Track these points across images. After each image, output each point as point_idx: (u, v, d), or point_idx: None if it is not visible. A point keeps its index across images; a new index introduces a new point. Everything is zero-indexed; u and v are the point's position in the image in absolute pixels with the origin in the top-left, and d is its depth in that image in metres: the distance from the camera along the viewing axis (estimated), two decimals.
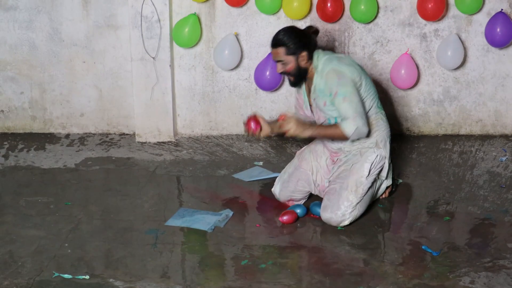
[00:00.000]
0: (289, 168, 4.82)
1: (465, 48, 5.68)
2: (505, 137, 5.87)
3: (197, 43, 5.79)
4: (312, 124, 4.57)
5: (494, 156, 5.51)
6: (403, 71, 5.61)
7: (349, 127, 4.42)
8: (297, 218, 4.55)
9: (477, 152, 5.58)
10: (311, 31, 4.66)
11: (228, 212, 4.62)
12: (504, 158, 5.46)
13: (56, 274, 3.95)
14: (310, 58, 4.54)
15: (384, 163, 4.61)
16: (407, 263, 4.07)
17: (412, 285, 3.84)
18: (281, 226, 4.49)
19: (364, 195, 4.51)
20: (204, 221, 4.52)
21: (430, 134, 5.93)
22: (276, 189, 4.80)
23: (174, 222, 4.54)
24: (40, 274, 3.96)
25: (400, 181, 5.10)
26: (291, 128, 4.43)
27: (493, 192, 4.93)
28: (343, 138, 4.48)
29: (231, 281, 3.91)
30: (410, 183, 5.10)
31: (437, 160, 5.47)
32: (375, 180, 4.60)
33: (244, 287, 3.85)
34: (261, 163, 5.46)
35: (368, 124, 4.52)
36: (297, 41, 4.49)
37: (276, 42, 4.55)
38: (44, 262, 4.08)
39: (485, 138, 5.85)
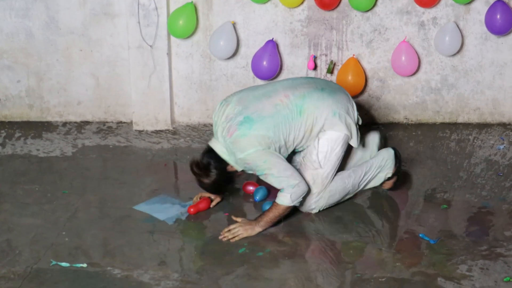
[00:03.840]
0: None
1: (463, 36, 5.66)
2: (503, 125, 5.86)
3: (193, 32, 5.77)
4: (258, 217, 4.31)
5: (491, 144, 5.51)
6: (403, 58, 5.60)
7: (285, 198, 4.23)
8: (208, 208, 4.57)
9: (475, 141, 5.58)
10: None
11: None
12: (501, 146, 5.46)
13: (54, 263, 3.96)
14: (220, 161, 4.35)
15: (344, 137, 4.40)
16: (405, 251, 4.07)
17: (410, 273, 3.84)
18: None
19: (330, 182, 4.42)
20: (167, 211, 4.52)
21: (428, 122, 5.93)
22: None
23: (141, 207, 4.57)
24: (38, 262, 3.97)
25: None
26: (240, 233, 4.23)
27: (491, 180, 4.93)
28: (286, 210, 4.27)
29: (229, 269, 3.92)
30: (407, 171, 5.09)
31: (435, 148, 5.47)
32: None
33: (241, 275, 3.85)
34: None
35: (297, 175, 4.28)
36: (219, 173, 4.35)
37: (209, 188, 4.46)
38: (42, 250, 4.08)
39: (482, 126, 5.85)
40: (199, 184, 4.42)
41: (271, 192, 4.64)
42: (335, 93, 4.46)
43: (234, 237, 4.21)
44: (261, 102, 4.33)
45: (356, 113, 4.51)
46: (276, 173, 4.22)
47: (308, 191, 4.35)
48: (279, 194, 4.25)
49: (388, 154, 4.66)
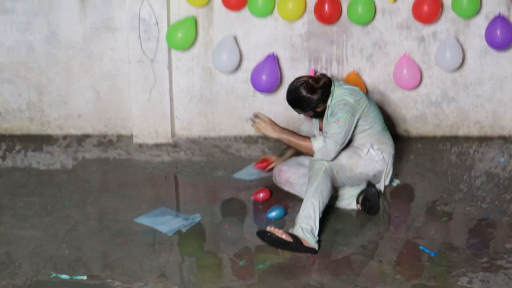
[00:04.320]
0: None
1: (463, 50, 5.68)
2: (503, 138, 5.87)
3: (193, 46, 5.78)
4: (285, 129, 4.65)
5: (492, 157, 5.52)
6: (405, 71, 5.62)
7: (319, 143, 4.55)
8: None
9: (475, 153, 5.58)
10: (323, 81, 4.68)
11: (196, 217, 4.60)
12: (502, 159, 5.46)
13: (54, 275, 3.95)
14: (326, 99, 4.64)
15: (379, 169, 4.77)
16: (405, 263, 4.06)
17: (410, 285, 3.83)
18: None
19: (352, 169, 4.68)
20: (169, 223, 4.52)
21: (428, 136, 5.93)
22: (280, 169, 4.97)
23: (142, 220, 4.58)
24: (38, 274, 3.96)
25: (398, 181, 5.10)
26: (261, 127, 4.60)
27: (491, 193, 4.93)
28: (309, 151, 4.58)
29: (229, 281, 3.91)
30: (408, 184, 5.10)
31: (435, 161, 5.48)
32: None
33: (242, 287, 3.84)
34: None
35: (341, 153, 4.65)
36: (311, 103, 4.60)
37: (292, 104, 4.68)
38: (41, 263, 4.07)
39: (483, 139, 5.85)
40: (296, 102, 4.65)
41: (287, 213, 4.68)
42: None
43: (257, 126, 4.60)
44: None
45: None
46: (342, 130, 4.54)
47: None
48: (321, 138, 4.54)
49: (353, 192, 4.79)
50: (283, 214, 4.63)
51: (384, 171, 4.79)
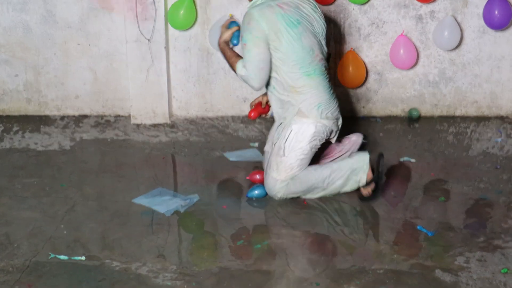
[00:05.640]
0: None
1: (461, 30, 5.67)
2: (500, 118, 5.87)
3: (192, 25, 5.77)
4: (231, 47, 4.64)
5: (489, 137, 5.52)
6: (402, 51, 5.60)
7: (240, 69, 4.48)
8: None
9: (473, 134, 5.59)
10: None
11: (194, 198, 4.61)
12: (499, 139, 5.47)
13: (52, 256, 3.95)
14: None
15: (316, 132, 4.48)
16: (402, 243, 4.08)
17: (407, 265, 3.85)
18: (277, 208, 4.49)
19: (293, 171, 4.48)
20: (167, 204, 4.52)
21: (425, 116, 5.93)
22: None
23: (140, 200, 4.58)
24: (36, 255, 3.96)
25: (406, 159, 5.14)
26: (222, 33, 4.64)
27: (488, 173, 4.94)
28: (235, 70, 4.55)
29: (227, 261, 3.92)
30: (405, 164, 5.10)
31: (433, 141, 5.48)
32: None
33: (239, 268, 3.86)
34: (256, 144, 5.46)
35: (265, 81, 4.51)
36: None
37: None
38: (40, 243, 4.08)
39: (480, 119, 5.86)
40: None
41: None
42: (333, 91, 4.60)
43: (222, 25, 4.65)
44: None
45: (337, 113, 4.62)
46: (251, 54, 4.41)
47: (274, 177, 4.49)
48: (243, 63, 4.46)
49: (362, 157, 4.57)
50: (265, 193, 4.62)
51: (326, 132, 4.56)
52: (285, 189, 4.50)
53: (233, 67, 4.55)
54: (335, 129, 4.61)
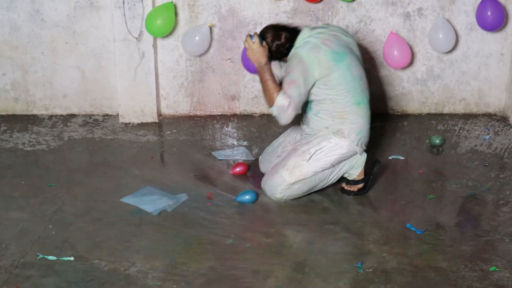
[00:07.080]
0: (275, 142, 4.88)
1: (456, 33, 5.68)
2: (488, 115, 5.89)
3: (175, 29, 5.74)
4: (269, 69, 4.45)
5: (477, 134, 5.54)
6: (396, 52, 5.58)
7: (281, 101, 4.34)
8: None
9: (461, 131, 5.60)
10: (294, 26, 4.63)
11: (182, 197, 4.61)
12: (487, 137, 5.48)
13: (41, 256, 3.94)
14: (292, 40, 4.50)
15: (345, 154, 4.53)
16: (391, 241, 4.08)
17: (396, 263, 3.85)
18: (266, 207, 4.49)
19: (305, 178, 4.49)
20: (155, 203, 4.52)
21: (413, 113, 5.95)
22: (260, 160, 4.92)
23: (128, 199, 4.57)
24: (25, 256, 3.95)
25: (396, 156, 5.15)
26: (251, 48, 4.46)
27: (477, 171, 4.95)
28: (269, 100, 4.40)
29: (216, 260, 3.91)
30: (394, 162, 5.11)
31: (421, 139, 5.49)
32: (332, 168, 4.56)
33: (229, 267, 3.85)
34: (245, 142, 5.46)
35: (302, 116, 4.57)
36: (274, 38, 4.52)
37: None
38: (28, 244, 4.06)
39: (468, 117, 5.87)
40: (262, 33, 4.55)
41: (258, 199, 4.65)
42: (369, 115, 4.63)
43: (248, 43, 4.46)
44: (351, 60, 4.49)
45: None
46: (298, 90, 4.34)
47: (283, 176, 4.48)
48: (284, 94, 4.34)
49: (360, 157, 4.60)
50: (255, 199, 4.58)
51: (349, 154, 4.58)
52: (286, 191, 4.50)
53: (269, 95, 4.41)
54: (355, 160, 4.62)
